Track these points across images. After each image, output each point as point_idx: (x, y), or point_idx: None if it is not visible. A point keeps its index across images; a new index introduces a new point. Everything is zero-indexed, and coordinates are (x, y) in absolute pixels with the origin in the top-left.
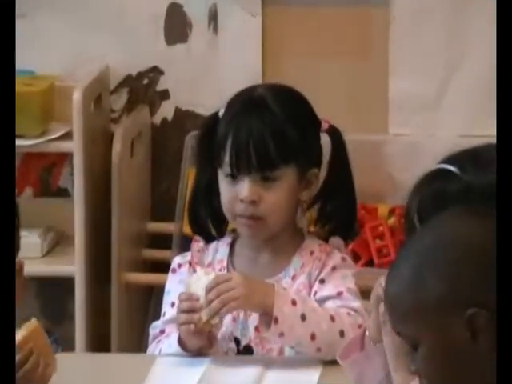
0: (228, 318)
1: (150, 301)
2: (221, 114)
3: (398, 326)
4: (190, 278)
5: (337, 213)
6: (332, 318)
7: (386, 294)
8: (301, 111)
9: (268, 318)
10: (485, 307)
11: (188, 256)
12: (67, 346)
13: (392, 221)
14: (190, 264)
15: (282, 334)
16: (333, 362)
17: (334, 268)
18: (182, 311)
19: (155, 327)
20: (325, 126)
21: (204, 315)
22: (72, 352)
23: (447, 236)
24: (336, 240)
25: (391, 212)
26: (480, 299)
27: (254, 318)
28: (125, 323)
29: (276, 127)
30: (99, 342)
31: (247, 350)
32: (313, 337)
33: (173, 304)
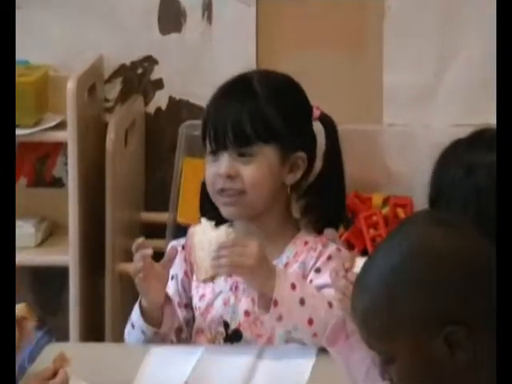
0: (219, 302)
1: None
2: None
3: (369, 341)
4: (194, 228)
5: (327, 202)
6: (330, 305)
7: (355, 308)
8: (287, 96)
9: (266, 300)
10: (462, 323)
11: (182, 241)
12: (61, 335)
13: (386, 210)
14: (183, 247)
15: (280, 317)
16: (326, 352)
17: (329, 257)
18: (135, 261)
19: None
20: (316, 113)
21: (210, 269)
22: (66, 342)
23: (416, 251)
24: (331, 232)
25: (385, 201)
26: (456, 314)
27: (244, 303)
28: (119, 313)
29: (255, 106)
30: (93, 332)
31: (236, 335)
32: (310, 322)
33: (172, 277)
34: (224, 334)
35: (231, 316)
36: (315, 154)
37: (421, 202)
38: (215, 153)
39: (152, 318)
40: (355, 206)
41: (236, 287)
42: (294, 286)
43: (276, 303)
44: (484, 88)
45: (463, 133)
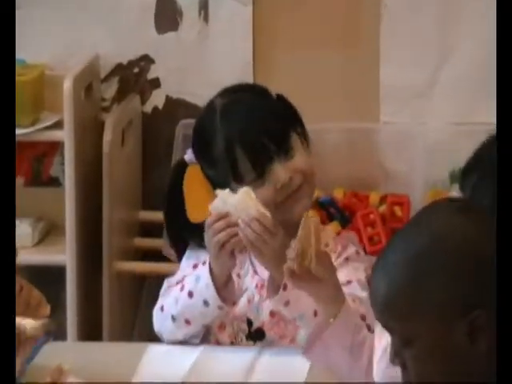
0: (243, 300)
1: (141, 289)
2: (188, 157)
3: (389, 324)
4: (213, 203)
5: None
6: None
7: (376, 290)
8: (261, 88)
9: (276, 284)
10: (483, 307)
11: None
12: (59, 334)
13: (383, 208)
14: None
15: (287, 303)
16: None
17: (347, 259)
18: (218, 231)
19: (171, 280)
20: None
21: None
22: (64, 341)
23: (443, 235)
24: (349, 234)
25: (382, 200)
26: (478, 300)
27: (269, 303)
28: (116, 312)
29: (265, 103)
30: (91, 331)
31: (258, 333)
32: (316, 313)
33: (195, 266)
34: (247, 331)
35: (255, 314)
36: None
37: (418, 200)
38: (261, 174)
39: (221, 272)
40: (352, 204)
41: (262, 286)
42: None
43: (285, 287)
44: (481, 86)
45: (459, 131)
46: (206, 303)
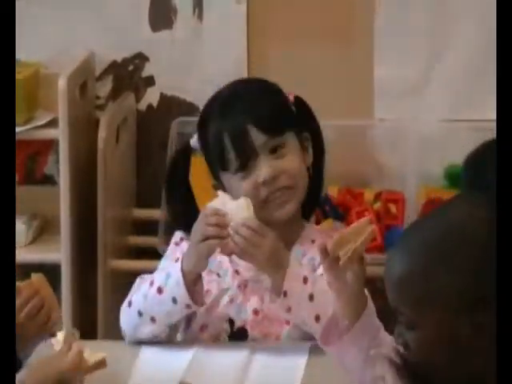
0: (225, 299)
1: None
2: (193, 142)
3: (398, 305)
4: (212, 202)
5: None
6: None
7: (392, 271)
8: (272, 85)
9: (278, 288)
10: (491, 305)
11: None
12: (53, 333)
13: (378, 205)
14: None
15: (289, 309)
16: (320, 348)
17: None
18: (210, 224)
19: (145, 277)
20: (291, 97)
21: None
22: None
23: (459, 233)
24: (338, 224)
25: (377, 197)
26: (487, 297)
27: (253, 301)
28: (111, 310)
29: (265, 95)
30: (86, 329)
31: (240, 333)
32: (317, 318)
33: (177, 260)
34: (229, 331)
35: (237, 314)
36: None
37: (412, 196)
38: (244, 166)
39: (194, 270)
40: (347, 201)
41: (245, 286)
42: (305, 281)
43: (285, 294)
44: (474, 82)
45: (452, 127)
46: (174, 300)
